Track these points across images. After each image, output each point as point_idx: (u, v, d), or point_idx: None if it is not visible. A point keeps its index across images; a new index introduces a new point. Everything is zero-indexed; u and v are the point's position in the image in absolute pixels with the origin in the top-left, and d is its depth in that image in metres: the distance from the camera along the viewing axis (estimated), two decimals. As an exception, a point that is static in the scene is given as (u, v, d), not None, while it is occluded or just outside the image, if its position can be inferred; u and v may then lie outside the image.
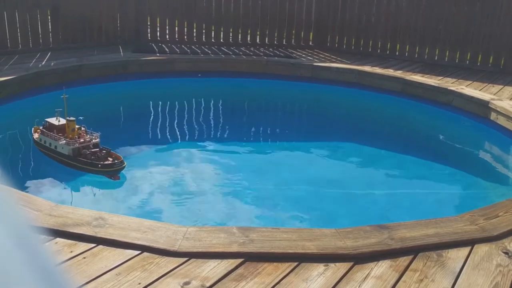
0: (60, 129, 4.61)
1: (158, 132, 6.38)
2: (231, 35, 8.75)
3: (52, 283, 0.42)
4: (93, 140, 4.59)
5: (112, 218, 2.57)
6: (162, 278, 2.14)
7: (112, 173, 4.38)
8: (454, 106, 6.34)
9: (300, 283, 2.17)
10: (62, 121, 4.63)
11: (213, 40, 8.66)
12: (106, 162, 4.40)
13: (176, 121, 6.83)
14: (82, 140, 4.54)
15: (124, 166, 4.42)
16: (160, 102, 7.31)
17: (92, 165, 4.38)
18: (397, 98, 6.84)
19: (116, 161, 4.42)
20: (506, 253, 2.49)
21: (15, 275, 0.39)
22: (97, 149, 4.50)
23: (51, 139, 4.60)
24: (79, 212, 2.63)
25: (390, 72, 7.26)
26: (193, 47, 8.34)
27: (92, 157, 4.42)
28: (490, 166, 5.57)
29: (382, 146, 6.00)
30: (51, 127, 4.68)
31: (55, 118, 4.68)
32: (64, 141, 4.51)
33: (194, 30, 8.67)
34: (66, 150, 4.50)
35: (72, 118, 4.56)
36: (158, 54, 7.71)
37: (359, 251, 2.41)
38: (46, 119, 4.74)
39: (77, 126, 4.64)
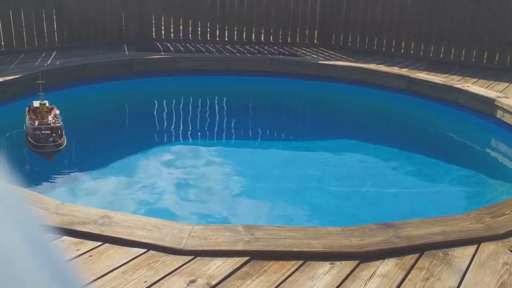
0: (34, 111, 4.91)
1: (163, 130, 6.39)
2: (235, 33, 8.74)
3: (62, 280, 0.43)
4: (56, 124, 4.77)
5: (118, 217, 2.58)
6: (168, 276, 2.15)
7: (47, 154, 4.59)
8: (459, 104, 6.31)
9: (306, 281, 2.17)
10: (47, 103, 4.93)
11: (217, 38, 8.65)
12: (39, 144, 4.56)
13: (180, 119, 6.84)
14: (38, 121, 4.74)
15: (58, 150, 4.57)
16: (165, 101, 7.32)
17: (31, 145, 4.62)
18: (403, 96, 6.81)
19: (50, 144, 4.58)
20: (512, 251, 2.48)
21: (26, 273, 0.40)
22: (48, 132, 4.64)
23: (25, 119, 4.90)
24: (85, 210, 2.64)
25: (395, 70, 7.24)
26: (197, 45, 8.34)
27: (41, 138, 4.61)
28: (496, 164, 5.55)
29: (387, 144, 5.98)
30: (30, 109, 4.99)
31: (39, 101, 4.92)
32: (27, 122, 4.79)
33: (199, 29, 8.67)
34: (26, 130, 4.79)
35: (43, 102, 4.81)
36: (162, 53, 7.72)
37: (365, 250, 2.41)
38: (33, 101, 4.99)
39: (56, 111, 4.93)
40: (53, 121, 4.79)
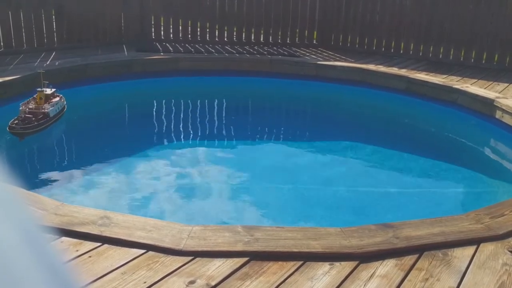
0: (35, 97, 5.31)
1: (162, 130, 6.39)
2: (235, 34, 8.74)
3: (60, 282, 0.43)
4: (41, 110, 5.13)
5: (117, 217, 2.58)
6: (168, 277, 2.15)
7: (17, 135, 4.96)
8: (459, 104, 6.31)
9: (305, 282, 2.17)
10: (48, 91, 5.39)
11: (217, 39, 8.65)
12: (11, 125, 4.91)
13: (180, 119, 6.84)
14: (30, 106, 5.14)
15: (25, 132, 4.93)
16: (164, 101, 7.32)
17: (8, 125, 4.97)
18: (402, 96, 6.82)
19: (19, 126, 4.93)
20: (511, 252, 2.48)
21: (24, 273, 0.40)
22: (30, 116, 5.02)
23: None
24: (85, 211, 2.64)
25: (394, 70, 7.24)
26: (197, 46, 8.34)
27: (20, 120, 4.99)
28: (495, 164, 5.55)
29: (386, 145, 5.99)
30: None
31: (48, 89, 5.41)
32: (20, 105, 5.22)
33: (198, 29, 8.67)
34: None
35: (41, 89, 5.24)
36: (162, 53, 7.72)
37: (364, 250, 2.41)
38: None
39: (55, 99, 5.40)
40: (43, 107, 5.14)
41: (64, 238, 2.39)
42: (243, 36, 8.74)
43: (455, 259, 2.40)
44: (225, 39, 8.69)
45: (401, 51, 8.29)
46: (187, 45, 8.39)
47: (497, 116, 5.78)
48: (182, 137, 6.23)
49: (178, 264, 2.25)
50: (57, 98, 5.46)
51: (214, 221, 3.95)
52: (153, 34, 8.62)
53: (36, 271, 0.41)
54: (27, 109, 5.10)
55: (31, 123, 4.97)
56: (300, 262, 2.31)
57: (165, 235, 2.43)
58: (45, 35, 7.55)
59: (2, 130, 5.39)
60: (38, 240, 0.44)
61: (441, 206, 4.41)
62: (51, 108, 5.23)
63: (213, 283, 2.12)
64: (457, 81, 6.76)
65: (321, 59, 7.91)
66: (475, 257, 2.42)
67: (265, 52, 8.17)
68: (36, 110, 5.11)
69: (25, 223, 0.44)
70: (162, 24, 8.64)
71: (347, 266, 2.30)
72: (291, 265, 2.29)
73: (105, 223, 2.51)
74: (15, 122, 4.96)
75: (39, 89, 5.24)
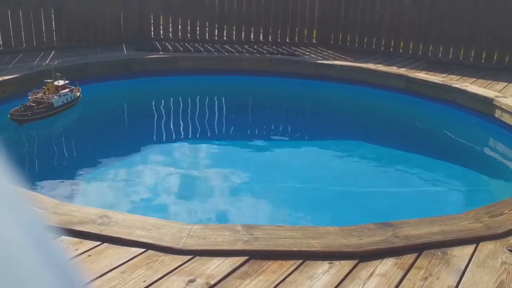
0: (44, 87, 5.60)
1: (162, 130, 6.39)
2: (234, 33, 8.73)
3: (66, 278, 0.43)
4: (43, 99, 5.43)
5: (117, 216, 2.58)
6: (167, 276, 2.15)
7: (15, 121, 5.22)
8: (458, 103, 6.31)
9: (305, 280, 2.17)
10: (61, 82, 5.72)
11: (216, 38, 8.64)
12: (12, 112, 5.18)
13: (179, 119, 6.83)
14: (37, 96, 5.46)
15: (22, 119, 5.19)
16: (164, 100, 7.32)
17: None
18: (401, 95, 6.82)
19: (17, 112, 5.22)
20: (511, 250, 2.48)
21: (31, 273, 0.40)
22: (33, 104, 5.33)
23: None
24: (84, 210, 2.64)
25: (394, 69, 7.24)
26: (196, 45, 8.34)
27: (27, 109, 5.29)
28: (494, 163, 5.55)
29: (385, 144, 5.99)
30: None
31: (61, 80, 5.76)
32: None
33: (198, 28, 8.67)
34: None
35: (49, 81, 5.53)
36: (161, 53, 7.71)
37: (364, 249, 2.41)
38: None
39: (63, 91, 5.66)
40: (48, 97, 5.46)
41: (63, 237, 2.39)
42: (243, 35, 8.73)
43: (454, 258, 2.40)
44: (225, 38, 8.68)
45: (401, 50, 8.29)
46: (186, 44, 8.38)
47: (496, 115, 5.78)
48: (181, 136, 6.23)
49: (178, 263, 2.25)
50: (66, 90, 5.72)
51: (214, 220, 3.95)
52: (152, 33, 8.61)
53: (43, 270, 0.41)
54: (34, 98, 5.41)
55: (32, 111, 5.25)
56: (300, 261, 2.31)
57: (165, 234, 2.43)
58: (44, 34, 7.54)
59: (1, 130, 5.40)
60: (43, 239, 0.44)
61: (440, 205, 4.41)
62: (56, 99, 5.48)
63: (212, 282, 2.12)
64: (456, 80, 6.75)
65: (320, 58, 7.91)
66: (474, 256, 2.43)
67: (265, 51, 8.16)
68: (41, 99, 5.41)
69: (30, 222, 0.44)
70: (161, 23, 8.63)
71: (346, 265, 2.30)
72: (290, 264, 2.29)
73: (104, 222, 2.51)
74: (18, 110, 5.23)
75: (48, 81, 5.50)
